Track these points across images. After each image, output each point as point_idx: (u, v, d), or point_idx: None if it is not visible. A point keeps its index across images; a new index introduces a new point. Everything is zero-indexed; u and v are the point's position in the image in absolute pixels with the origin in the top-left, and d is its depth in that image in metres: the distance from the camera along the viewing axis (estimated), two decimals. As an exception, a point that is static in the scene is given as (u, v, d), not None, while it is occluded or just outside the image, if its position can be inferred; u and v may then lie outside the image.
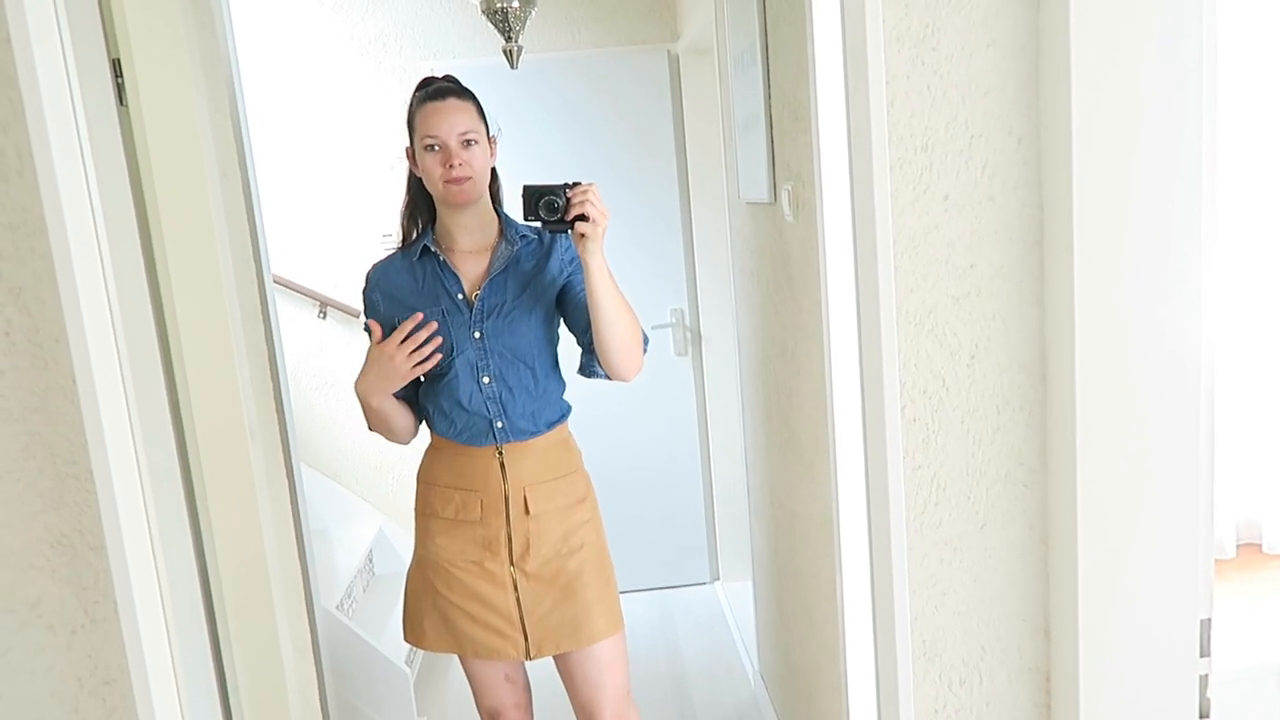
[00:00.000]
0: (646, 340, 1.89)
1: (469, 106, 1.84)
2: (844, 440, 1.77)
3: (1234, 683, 1.54)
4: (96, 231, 1.26)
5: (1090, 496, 1.33)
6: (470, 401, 1.85)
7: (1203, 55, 1.25)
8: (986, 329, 1.37)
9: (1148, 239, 1.29)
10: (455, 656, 3.25)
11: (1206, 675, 1.39)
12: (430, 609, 1.94)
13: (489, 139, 1.87)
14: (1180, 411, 1.32)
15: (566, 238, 1.88)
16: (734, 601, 3.59)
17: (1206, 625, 1.37)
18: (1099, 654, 1.37)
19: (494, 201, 1.95)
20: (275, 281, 3.15)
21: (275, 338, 2.47)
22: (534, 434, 1.89)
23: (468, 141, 1.80)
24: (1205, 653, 1.38)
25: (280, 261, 3.48)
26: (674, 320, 3.69)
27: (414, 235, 1.95)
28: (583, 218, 1.67)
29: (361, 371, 1.84)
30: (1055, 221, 1.32)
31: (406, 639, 2.00)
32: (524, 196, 1.71)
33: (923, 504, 1.40)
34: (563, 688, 2.04)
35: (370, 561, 3.61)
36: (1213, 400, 1.33)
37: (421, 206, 1.94)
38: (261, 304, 2.22)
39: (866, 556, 1.56)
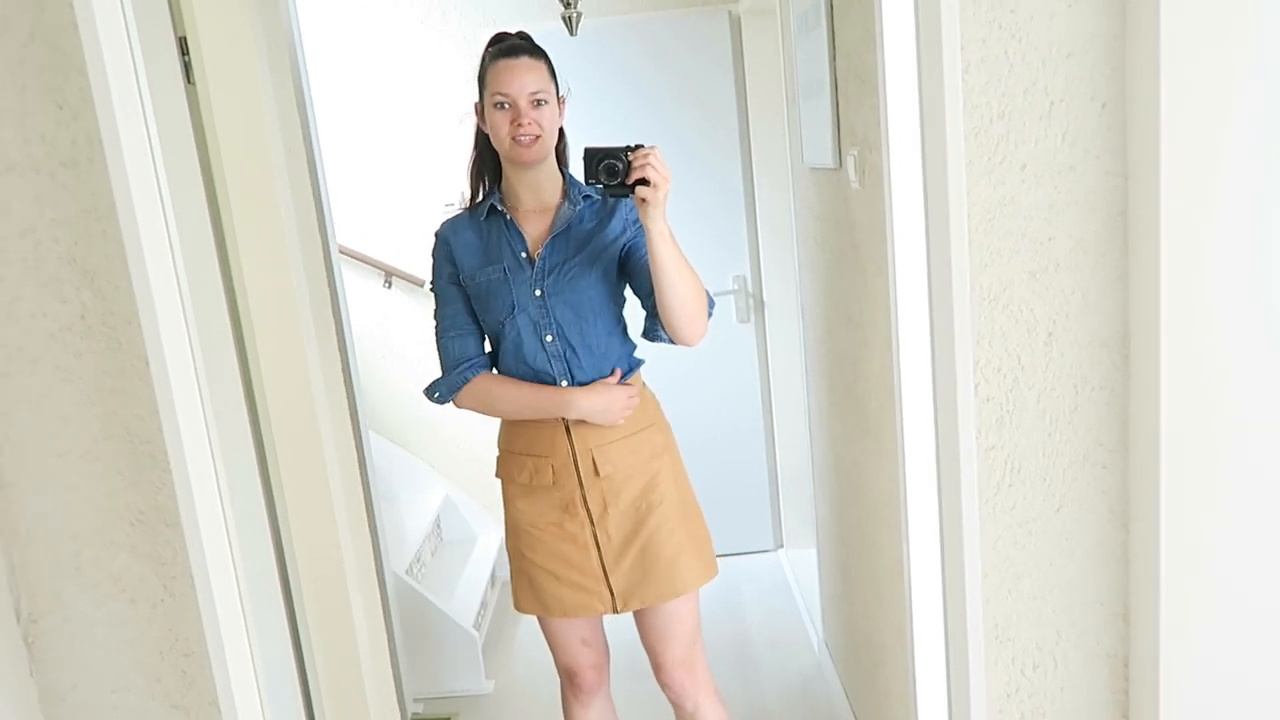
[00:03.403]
0: (712, 304, 1.86)
1: (541, 66, 1.82)
2: (912, 416, 1.73)
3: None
4: (165, 215, 1.28)
5: (1174, 479, 1.28)
6: (535, 360, 1.86)
7: (1306, 12, 1.17)
8: (1065, 305, 1.32)
9: (1240, 211, 1.22)
10: (523, 621, 3.32)
11: (1296, 664, 1.33)
12: (518, 572, 1.98)
13: (559, 99, 1.85)
14: (1272, 392, 1.25)
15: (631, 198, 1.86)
16: (798, 569, 3.58)
17: (1297, 613, 1.32)
18: (1181, 641, 1.32)
19: (560, 162, 1.94)
20: (341, 252, 3.19)
21: (342, 308, 2.51)
22: None
23: (538, 101, 1.79)
24: (1295, 641, 1.33)
25: (345, 232, 3.52)
26: (736, 287, 3.65)
27: (480, 192, 1.95)
28: (644, 182, 1.65)
29: (583, 399, 1.86)
30: (1141, 192, 1.25)
31: (513, 605, 2.04)
32: (585, 160, 1.69)
33: (996, 485, 1.37)
34: (632, 643, 2.07)
35: (438, 527, 3.67)
36: (1309, 379, 1.26)
37: (488, 163, 1.93)
38: (328, 276, 2.25)
39: (935, 535, 1.53)
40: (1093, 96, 1.26)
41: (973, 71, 1.26)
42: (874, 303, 1.96)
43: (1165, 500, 1.28)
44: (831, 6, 2.10)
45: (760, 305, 3.69)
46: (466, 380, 1.90)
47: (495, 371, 1.96)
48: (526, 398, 1.87)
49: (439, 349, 1.95)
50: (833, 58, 2.13)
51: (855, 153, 2.00)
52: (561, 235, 1.86)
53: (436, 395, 1.95)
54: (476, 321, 1.93)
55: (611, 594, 1.92)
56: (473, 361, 1.91)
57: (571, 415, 1.85)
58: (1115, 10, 1.23)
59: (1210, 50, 1.18)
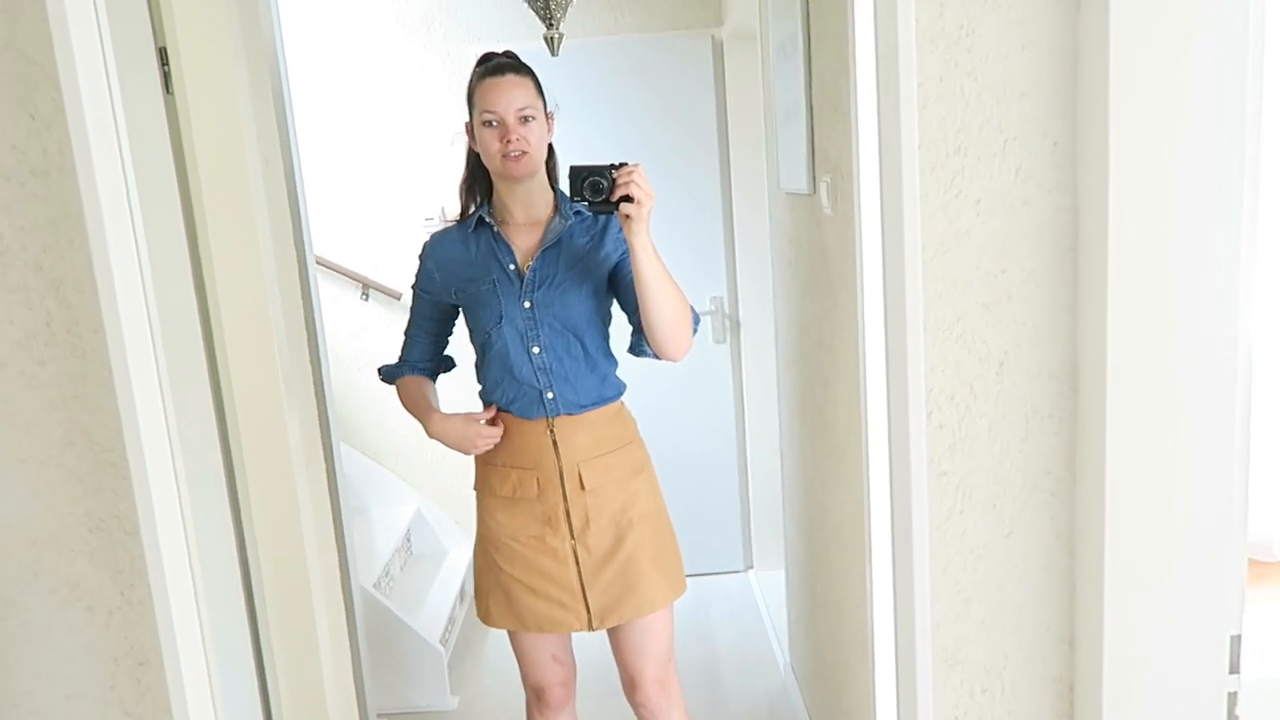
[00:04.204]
0: (697, 319, 1.90)
1: (527, 82, 1.86)
2: (876, 438, 1.76)
3: (1272, 695, 1.51)
4: (133, 225, 1.29)
5: (1119, 507, 1.31)
6: (520, 371, 1.88)
7: (1249, 57, 1.21)
8: (1016, 336, 1.35)
9: (1186, 246, 1.25)
10: (490, 637, 3.32)
11: (1235, 693, 1.36)
12: (493, 586, 1.98)
13: (547, 115, 1.89)
14: (1215, 423, 1.29)
15: None
16: (767, 591, 3.59)
17: (1236, 641, 1.35)
18: (1124, 666, 1.35)
19: (550, 177, 1.98)
20: (318, 263, 3.19)
21: (317, 319, 2.51)
22: (584, 408, 1.91)
23: (525, 118, 1.82)
24: (1235, 669, 1.36)
25: (323, 243, 3.52)
26: (713, 308, 3.68)
27: (471, 209, 1.98)
28: (628, 199, 1.68)
29: (440, 421, 1.97)
30: (1090, 227, 1.29)
31: (478, 617, 2.05)
32: (570, 177, 1.72)
33: (947, 511, 1.39)
34: (600, 661, 2.07)
35: (408, 541, 3.67)
36: (1249, 413, 1.29)
37: (480, 181, 1.97)
38: (302, 287, 2.26)
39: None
40: (1045, 134, 1.30)
41: (930, 107, 1.29)
42: (843, 327, 1.99)
43: (1110, 528, 1.31)
44: (809, 34, 2.14)
45: (736, 326, 3.72)
46: (397, 376, 2.10)
47: (434, 376, 2.12)
48: (411, 405, 2.06)
49: (402, 343, 2.13)
50: (809, 85, 2.16)
51: (828, 179, 2.03)
52: (552, 248, 1.89)
53: (381, 378, 2.15)
54: (432, 333, 2.08)
55: (588, 611, 1.94)
56: (412, 364, 2.09)
57: (430, 435, 1.99)
58: (1067, 52, 1.27)
59: (1157, 91, 1.22)
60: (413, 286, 2.06)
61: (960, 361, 1.35)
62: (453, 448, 1.96)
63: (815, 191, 2.18)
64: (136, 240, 1.30)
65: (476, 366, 2.00)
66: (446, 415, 1.97)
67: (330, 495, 2.31)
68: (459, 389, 2.30)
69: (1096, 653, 1.35)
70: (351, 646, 2.40)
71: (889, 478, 1.45)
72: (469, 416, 1.94)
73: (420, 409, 2.03)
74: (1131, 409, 1.29)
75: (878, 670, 1.77)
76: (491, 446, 1.94)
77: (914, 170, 1.28)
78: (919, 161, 1.29)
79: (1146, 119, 1.22)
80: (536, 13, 2.61)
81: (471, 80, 1.90)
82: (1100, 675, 1.35)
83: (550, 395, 1.88)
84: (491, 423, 1.94)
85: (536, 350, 1.87)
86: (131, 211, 1.29)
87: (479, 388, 2.01)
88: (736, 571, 3.85)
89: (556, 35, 2.65)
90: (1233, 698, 1.35)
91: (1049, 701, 1.44)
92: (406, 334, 2.10)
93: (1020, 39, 1.27)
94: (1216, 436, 1.29)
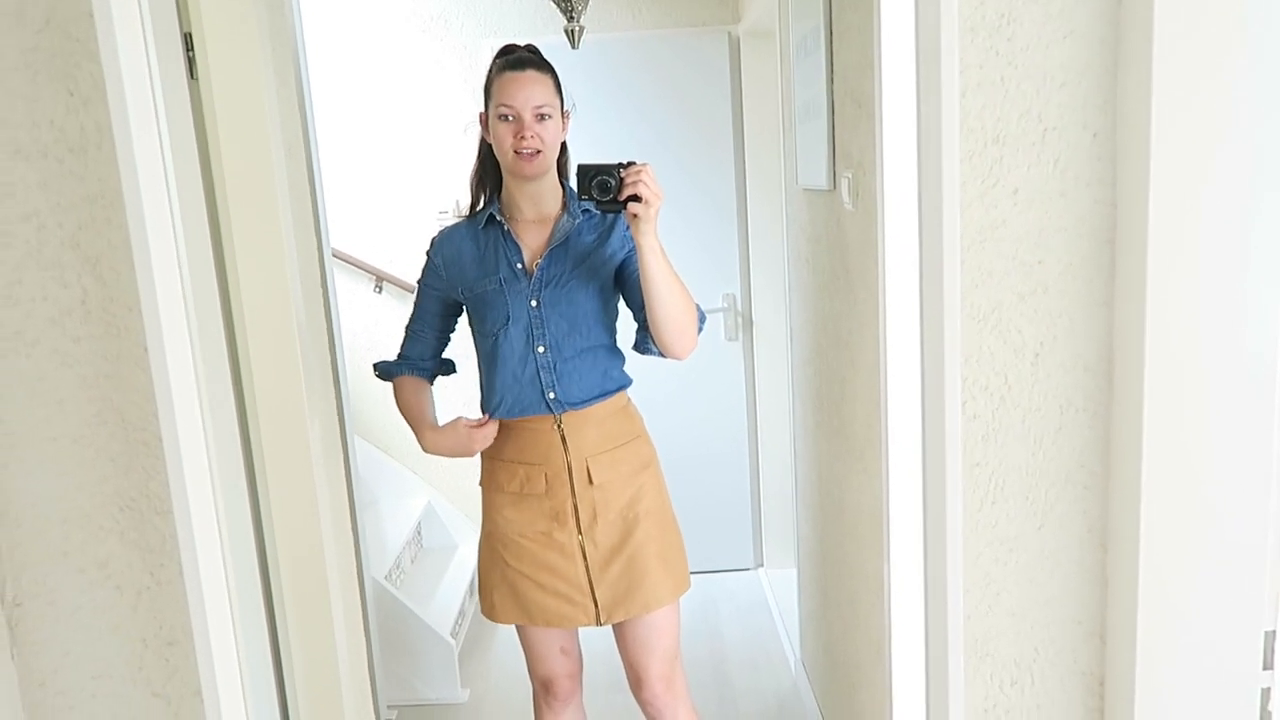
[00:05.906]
0: (703, 318, 1.89)
1: (547, 79, 1.85)
2: (897, 434, 1.75)
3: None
4: (170, 204, 1.29)
5: (1153, 501, 1.30)
6: (525, 370, 1.87)
7: (1293, 51, 1.20)
8: (1052, 327, 1.34)
9: (1226, 240, 1.25)
10: (500, 631, 3.31)
11: (1269, 688, 1.36)
12: (500, 581, 1.97)
13: (563, 113, 1.88)
14: (1252, 419, 1.28)
15: None
16: (777, 589, 3.59)
17: (1270, 637, 1.34)
18: (1156, 661, 1.34)
19: (561, 175, 1.97)
20: (333, 255, 3.19)
21: (333, 310, 2.51)
22: (586, 402, 1.90)
23: (541, 115, 1.82)
24: (1269, 665, 1.35)
25: (338, 236, 3.52)
26: (725, 305, 3.68)
27: (481, 202, 1.97)
28: (636, 198, 1.67)
29: (433, 436, 1.98)
30: (1129, 219, 1.29)
31: (483, 613, 2.05)
32: (578, 175, 1.72)
33: (979, 502, 1.39)
34: (606, 655, 2.06)
35: (419, 534, 3.66)
36: (1287, 408, 1.29)
37: (490, 173, 1.96)
38: (321, 277, 2.25)
39: (916, 552, 1.55)
40: (1085, 125, 1.30)
41: (969, 95, 1.29)
42: (863, 323, 1.98)
43: (1144, 522, 1.30)
44: (831, 31, 2.13)
45: (749, 324, 3.71)
46: (394, 375, 2.06)
47: (430, 378, 2.09)
48: (407, 412, 2.04)
49: (403, 337, 2.08)
50: (830, 80, 2.16)
51: (850, 175, 2.03)
52: (560, 247, 1.88)
53: (377, 374, 2.09)
54: (436, 329, 2.05)
55: (596, 606, 1.93)
56: (411, 361, 2.05)
57: (425, 450, 1.99)
58: (1109, 43, 1.27)
59: (1201, 83, 1.22)
60: (419, 281, 2.04)
61: (995, 352, 1.35)
62: (451, 456, 1.98)
63: (835, 187, 2.17)
64: (173, 220, 1.30)
65: (479, 368, 1.99)
66: (438, 428, 1.98)
67: (347, 488, 2.30)
68: (458, 399, 2.28)
69: (1129, 647, 1.35)
70: (365, 638, 2.40)
71: (922, 469, 1.44)
72: (458, 423, 1.95)
73: (415, 420, 2.02)
74: (1167, 403, 1.28)
75: (895, 666, 1.76)
76: (490, 442, 1.95)
77: (954, 158, 1.28)
78: (958, 150, 1.29)
79: (1189, 111, 1.22)
80: (557, 5, 2.61)
81: (491, 71, 1.88)
82: (1132, 670, 1.34)
83: (553, 395, 1.88)
84: (481, 424, 1.95)
85: (542, 349, 1.87)
86: (169, 190, 1.29)
87: (479, 391, 2.00)
88: (746, 569, 3.85)
89: (577, 28, 2.65)
90: (1266, 693, 1.35)
91: (1079, 695, 1.43)
92: (408, 329, 2.06)
93: (1062, 28, 1.26)
94: (1253, 432, 1.29)
